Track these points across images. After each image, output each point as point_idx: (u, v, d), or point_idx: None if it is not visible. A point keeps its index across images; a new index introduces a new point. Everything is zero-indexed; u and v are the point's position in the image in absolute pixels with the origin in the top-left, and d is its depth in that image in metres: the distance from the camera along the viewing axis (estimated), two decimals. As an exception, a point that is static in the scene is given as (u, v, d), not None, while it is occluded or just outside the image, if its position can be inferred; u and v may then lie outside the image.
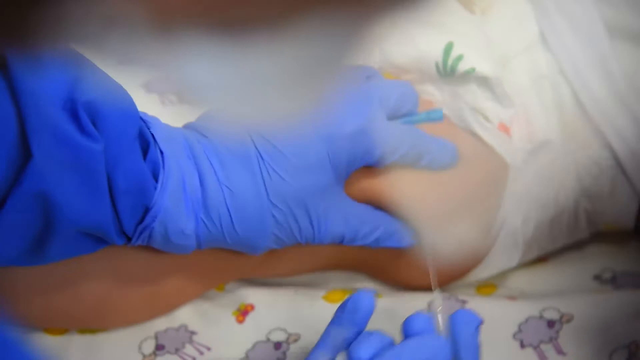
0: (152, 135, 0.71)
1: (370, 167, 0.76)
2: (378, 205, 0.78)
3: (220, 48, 0.36)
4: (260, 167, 0.72)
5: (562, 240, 0.86)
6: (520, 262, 0.85)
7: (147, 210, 0.70)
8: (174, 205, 0.70)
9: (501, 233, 0.83)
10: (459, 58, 0.80)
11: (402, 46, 0.81)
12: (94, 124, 0.67)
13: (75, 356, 0.80)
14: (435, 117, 0.77)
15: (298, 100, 0.39)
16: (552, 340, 0.79)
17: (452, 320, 0.68)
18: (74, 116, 0.66)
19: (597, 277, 0.87)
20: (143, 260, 0.77)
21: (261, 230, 0.73)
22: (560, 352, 0.79)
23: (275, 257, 0.80)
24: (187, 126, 0.75)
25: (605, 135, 0.81)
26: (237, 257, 0.78)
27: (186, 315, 0.83)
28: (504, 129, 0.81)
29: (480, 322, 0.69)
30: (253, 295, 0.84)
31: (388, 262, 0.82)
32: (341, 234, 0.76)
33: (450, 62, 0.80)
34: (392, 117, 0.77)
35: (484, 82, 0.80)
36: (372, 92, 0.75)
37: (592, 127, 0.81)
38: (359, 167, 0.75)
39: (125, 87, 1.00)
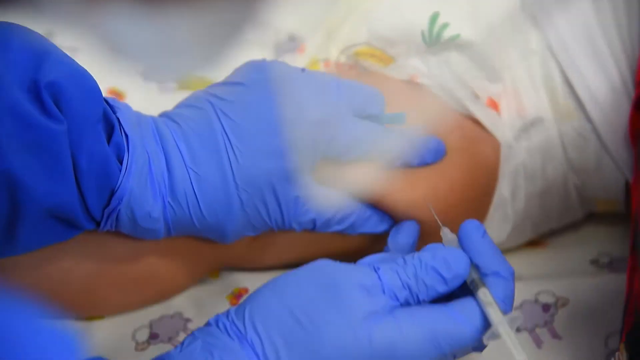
0: (118, 119, 0.71)
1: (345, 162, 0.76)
2: (353, 195, 0.78)
3: (143, 13, 0.41)
4: (227, 151, 0.72)
5: (556, 219, 0.86)
6: (511, 237, 0.85)
7: (112, 192, 0.70)
8: (140, 188, 0.70)
9: (490, 206, 0.82)
10: (445, 26, 0.80)
11: (388, 17, 0.82)
12: (57, 106, 0.67)
13: (68, 344, 0.79)
14: (399, 120, 0.77)
15: (209, 57, 0.46)
16: (547, 324, 0.79)
17: (459, 235, 0.68)
18: (37, 97, 0.66)
19: (594, 262, 0.86)
20: (128, 245, 0.77)
21: (228, 213, 0.73)
22: (555, 336, 0.78)
23: (260, 243, 0.80)
24: (161, 114, 0.75)
25: (589, 112, 0.81)
26: (222, 246, 0.78)
27: (181, 302, 0.83)
28: (493, 104, 0.81)
29: (484, 228, 0.68)
30: (247, 279, 0.84)
31: (373, 248, 0.82)
32: (312, 219, 0.76)
33: (435, 30, 0.80)
34: (357, 116, 0.77)
35: (470, 52, 0.80)
36: (340, 87, 0.75)
37: (577, 101, 0.81)
38: (324, 155, 0.75)
39: (123, 75, 1.00)
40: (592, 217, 0.90)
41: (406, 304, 0.66)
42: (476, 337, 0.65)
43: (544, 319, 0.79)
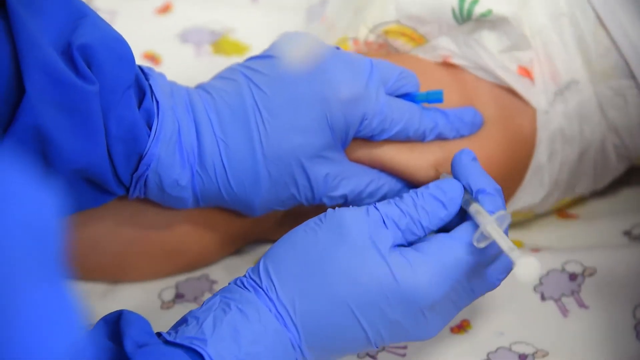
0: (150, 86, 0.71)
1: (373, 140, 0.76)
2: (385, 169, 0.78)
3: None
4: (257, 123, 0.72)
5: (593, 179, 0.84)
6: (547, 199, 0.84)
7: (140, 158, 0.70)
8: (168, 155, 0.71)
9: (527, 172, 0.81)
10: (475, 1, 0.78)
11: None
12: (89, 68, 0.67)
13: (95, 298, 0.80)
14: (435, 98, 0.76)
15: None
16: (574, 293, 0.78)
17: (452, 162, 0.70)
18: (70, 59, 0.67)
19: (627, 233, 0.85)
20: (160, 215, 0.78)
21: (255, 185, 0.73)
22: (582, 305, 0.77)
23: (291, 218, 0.81)
24: (196, 86, 0.75)
25: (634, 71, 0.79)
26: (254, 220, 0.79)
27: (208, 265, 0.83)
28: (525, 72, 0.80)
29: (473, 154, 0.70)
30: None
31: None
32: (343, 194, 0.76)
33: (466, 6, 0.79)
34: (392, 94, 0.76)
35: (500, 25, 0.79)
36: (375, 66, 0.75)
37: (614, 59, 0.80)
38: (357, 133, 0.74)
39: (160, 36, 1.01)
40: (628, 186, 0.89)
41: (410, 233, 0.67)
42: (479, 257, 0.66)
43: (570, 288, 0.78)
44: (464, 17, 0.79)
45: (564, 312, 0.77)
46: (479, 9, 0.78)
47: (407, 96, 0.77)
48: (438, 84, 0.80)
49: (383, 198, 0.77)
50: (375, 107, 0.74)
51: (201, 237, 0.81)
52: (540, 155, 0.81)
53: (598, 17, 0.79)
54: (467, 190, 0.69)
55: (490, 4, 0.78)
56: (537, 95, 0.80)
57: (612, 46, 0.80)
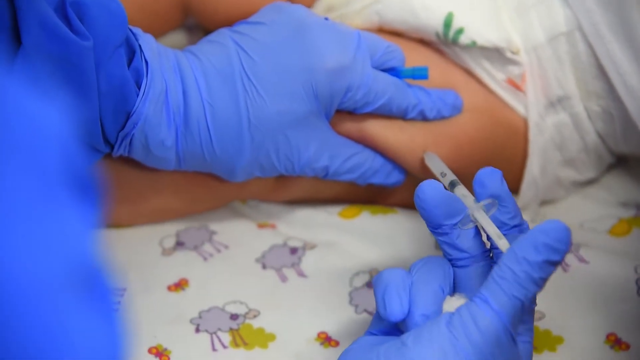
0: (140, 46, 0.71)
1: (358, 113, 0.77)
2: (371, 145, 0.78)
3: None
4: (244, 88, 0.72)
5: (587, 173, 0.85)
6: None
7: (128, 116, 0.70)
8: (155, 114, 0.71)
9: (522, 186, 0.82)
10: (460, 31, 0.79)
11: (400, 11, 0.80)
12: (82, 24, 0.67)
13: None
14: (420, 74, 0.76)
15: None
16: (573, 250, 0.78)
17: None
18: (64, 16, 0.67)
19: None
20: (144, 178, 0.79)
21: (238, 149, 0.73)
22: (582, 260, 0.78)
23: (280, 186, 0.81)
24: (184, 50, 0.75)
25: (622, 98, 0.78)
26: (233, 183, 0.78)
27: (208, 217, 0.83)
28: (513, 84, 0.80)
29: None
30: (274, 209, 0.84)
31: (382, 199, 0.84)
32: (324, 165, 0.76)
33: (451, 34, 0.79)
34: (377, 68, 0.76)
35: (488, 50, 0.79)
36: (362, 38, 0.75)
37: (606, 82, 0.79)
38: (341, 104, 0.75)
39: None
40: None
41: None
42: None
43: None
44: (448, 43, 0.80)
45: (564, 267, 0.77)
46: (464, 39, 0.79)
47: (392, 71, 0.77)
48: (424, 62, 0.79)
49: (363, 174, 0.78)
50: (361, 79, 0.74)
51: (184, 202, 0.81)
52: (534, 167, 0.81)
53: (588, 42, 0.79)
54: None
55: (475, 35, 0.79)
56: (529, 106, 0.80)
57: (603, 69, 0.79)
